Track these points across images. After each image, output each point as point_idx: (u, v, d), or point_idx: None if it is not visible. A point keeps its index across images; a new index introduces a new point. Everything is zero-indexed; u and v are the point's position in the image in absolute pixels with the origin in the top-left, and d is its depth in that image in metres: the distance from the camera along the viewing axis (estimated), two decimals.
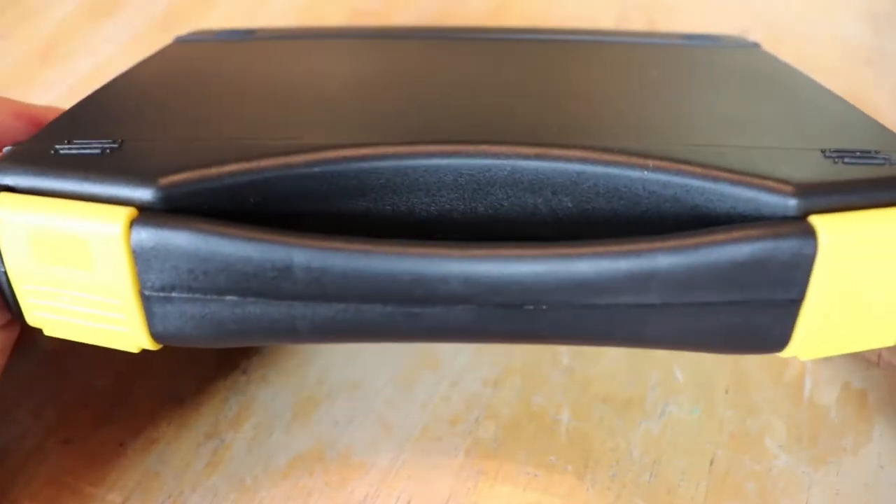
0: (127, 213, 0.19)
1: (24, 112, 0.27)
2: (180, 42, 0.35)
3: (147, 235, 0.19)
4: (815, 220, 0.19)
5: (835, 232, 0.19)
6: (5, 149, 0.22)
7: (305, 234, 0.19)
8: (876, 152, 0.21)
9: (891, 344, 0.22)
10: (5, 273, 0.21)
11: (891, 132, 0.25)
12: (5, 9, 0.49)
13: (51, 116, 0.27)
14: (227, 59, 0.32)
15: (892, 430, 0.28)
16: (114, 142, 0.21)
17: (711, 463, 0.28)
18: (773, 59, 0.34)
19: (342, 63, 0.30)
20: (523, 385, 0.30)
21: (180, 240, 0.19)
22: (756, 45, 0.36)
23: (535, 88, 0.26)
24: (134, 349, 0.22)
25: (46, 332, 0.23)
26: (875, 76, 0.44)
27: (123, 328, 0.21)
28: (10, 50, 0.46)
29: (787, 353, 0.21)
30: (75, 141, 0.21)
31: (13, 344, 0.24)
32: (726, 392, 0.30)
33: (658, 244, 0.19)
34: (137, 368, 0.30)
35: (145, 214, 0.19)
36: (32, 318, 0.22)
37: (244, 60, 0.32)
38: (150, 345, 0.22)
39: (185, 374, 0.30)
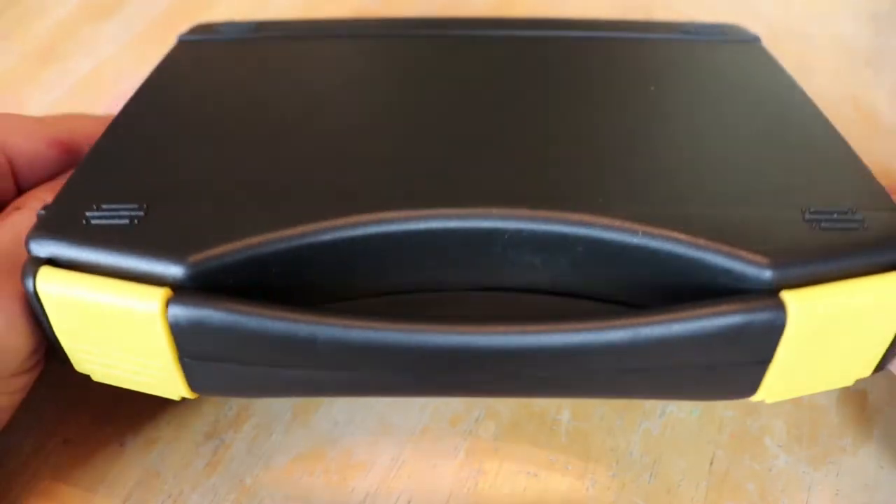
0: (163, 293, 0.21)
1: (56, 139, 0.28)
2: (185, 42, 0.35)
3: (182, 313, 0.21)
4: (787, 296, 0.21)
5: (803, 307, 0.21)
6: (38, 212, 0.23)
7: (325, 311, 0.21)
8: (853, 212, 0.23)
9: (848, 384, 0.25)
10: (53, 332, 0.23)
11: (870, 176, 0.26)
12: (5, 9, 0.49)
13: (79, 137, 0.28)
14: (237, 76, 0.32)
15: (892, 430, 0.28)
16: (139, 208, 0.23)
17: (711, 463, 0.28)
18: (767, 64, 0.34)
19: (351, 95, 0.30)
20: None
21: (213, 319, 0.21)
22: (756, 39, 0.36)
23: (535, 136, 0.27)
24: (175, 398, 0.24)
25: (94, 379, 0.25)
26: (875, 76, 0.44)
27: (165, 383, 0.23)
28: (10, 50, 0.46)
29: (754, 399, 0.24)
30: (103, 206, 0.23)
31: (34, 381, 0.25)
32: None
33: (642, 319, 0.21)
34: None
35: (179, 295, 0.21)
36: (80, 368, 0.25)
37: (254, 81, 0.31)
38: (189, 395, 0.24)
39: None
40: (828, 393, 0.30)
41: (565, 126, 0.28)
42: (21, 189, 0.28)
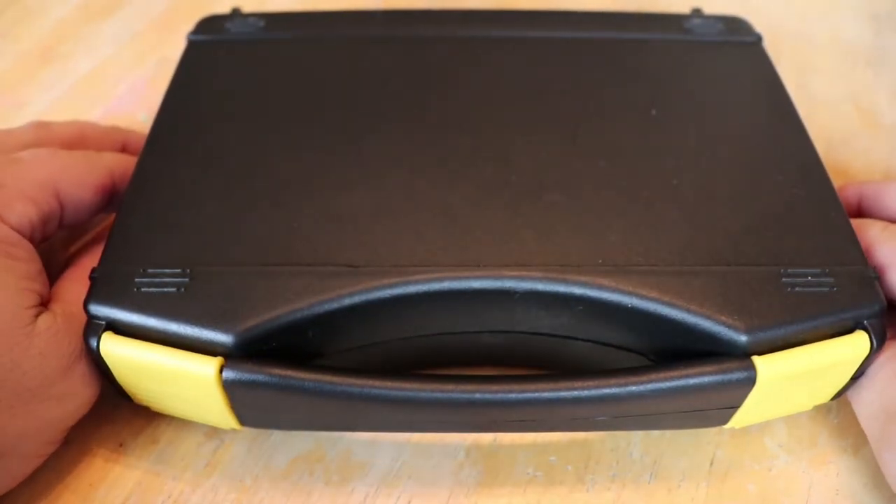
0: (216, 362, 0.24)
1: (101, 186, 0.29)
2: (197, 44, 0.35)
3: (234, 377, 0.24)
4: (757, 361, 0.24)
5: (771, 370, 0.24)
6: (91, 274, 0.26)
7: (354, 373, 0.24)
8: (826, 272, 0.26)
9: (808, 409, 0.28)
10: (116, 381, 0.26)
11: (846, 226, 0.27)
12: (5, 9, 0.49)
13: (117, 179, 0.29)
14: (256, 97, 0.32)
15: None
16: (183, 274, 0.25)
17: (711, 463, 0.28)
18: (761, 77, 0.34)
19: (377, 135, 0.30)
20: None
21: (260, 381, 0.24)
22: (758, 39, 0.36)
23: (540, 186, 0.28)
24: (226, 428, 0.27)
25: (153, 409, 0.28)
26: (875, 76, 0.44)
27: (218, 420, 0.26)
28: (10, 50, 0.46)
29: (724, 427, 0.27)
30: (149, 272, 0.25)
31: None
32: None
33: (633, 378, 0.24)
34: None
35: (230, 363, 0.24)
36: (141, 403, 0.27)
37: (273, 108, 0.31)
38: (239, 428, 0.27)
39: None
40: None
41: (566, 165, 0.29)
42: (61, 228, 0.29)
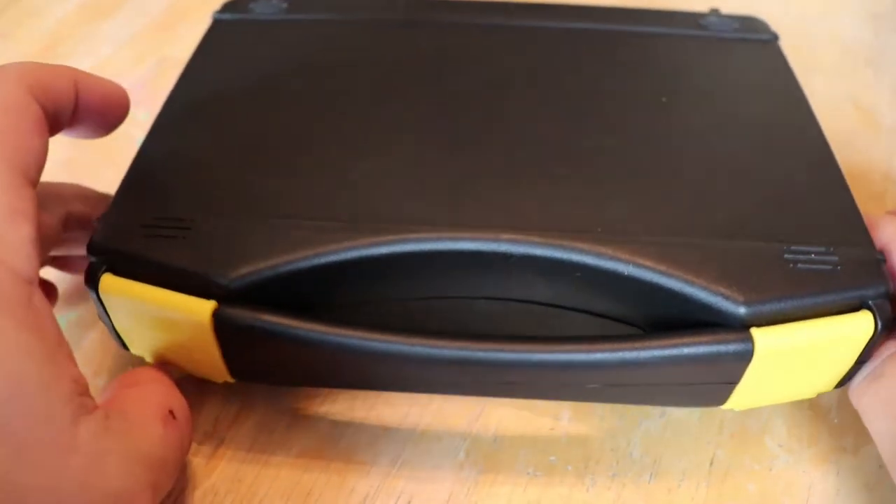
0: (210, 306, 0.24)
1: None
2: (221, 22, 0.36)
3: (226, 321, 0.24)
4: (756, 333, 0.23)
5: (769, 343, 0.23)
6: (94, 221, 0.26)
7: (346, 324, 0.24)
8: (830, 251, 0.25)
9: (811, 397, 0.27)
10: (113, 325, 0.26)
11: (853, 208, 0.27)
12: (6, 8, 0.49)
13: (82, 88, 0.26)
14: (274, 72, 0.33)
15: None
16: (186, 222, 0.26)
17: (711, 463, 0.28)
18: (776, 72, 0.34)
19: (386, 105, 0.31)
20: None
21: (253, 328, 0.24)
22: (774, 38, 0.36)
23: (544, 154, 0.29)
24: (220, 381, 0.27)
25: (148, 360, 0.28)
26: (875, 76, 0.44)
27: (210, 370, 0.27)
28: (11, 49, 0.46)
29: (723, 408, 0.27)
30: (154, 218, 0.26)
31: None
32: None
33: (628, 345, 0.24)
34: None
35: (223, 308, 0.24)
36: (136, 351, 0.28)
37: (289, 82, 0.32)
38: (231, 381, 0.27)
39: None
40: (828, 393, 0.30)
41: (570, 141, 0.29)
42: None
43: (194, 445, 0.28)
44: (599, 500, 0.27)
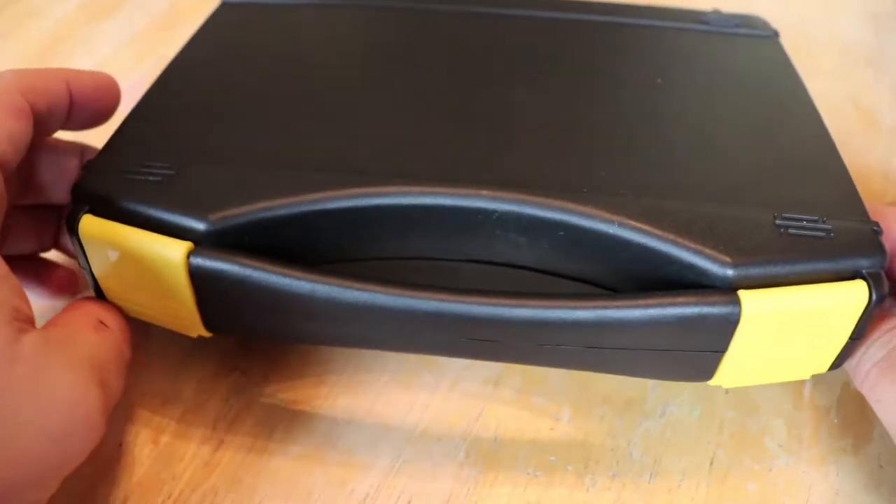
0: (185, 246, 0.24)
1: (54, 93, 0.27)
2: (228, 5, 0.37)
3: (200, 264, 0.24)
4: (743, 295, 0.23)
5: (757, 306, 0.22)
6: (86, 164, 0.26)
7: (321, 270, 0.24)
8: (823, 221, 0.24)
9: (805, 378, 0.27)
10: (91, 271, 0.26)
11: (850, 185, 0.26)
12: (6, 8, 0.49)
13: (76, 91, 0.28)
14: (271, 47, 0.34)
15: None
16: (171, 167, 0.26)
17: (711, 463, 0.28)
18: (777, 62, 0.34)
19: (371, 71, 0.32)
20: (523, 385, 0.30)
21: (226, 271, 0.24)
22: (775, 35, 0.36)
23: (532, 119, 0.29)
24: (193, 335, 0.27)
25: (124, 312, 0.27)
26: (875, 76, 0.44)
27: (184, 322, 0.26)
28: (11, 49, 0.46)
29: (711, 383, 0.26)
30: (140, 163, 0.26)
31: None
32: (726, 392, 0.30)
33: (608, 303, 0.23)
34: (137, 368, 0.30)
35: (198, 249, 0.24)
36: (112, 299, 0.27)
37: (286, 56, 0.33)
38: (205, 334, 0.27)
39: (185, 375, 0.30)
40: (828, 393, 0.30)
41: (563, 110, 0.30)
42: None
43: (195, 446, 0.28)
44: (599, 500, 0.27)
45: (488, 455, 0.28)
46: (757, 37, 0.36)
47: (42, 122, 0.27)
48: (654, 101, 0.30)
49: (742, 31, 0.36)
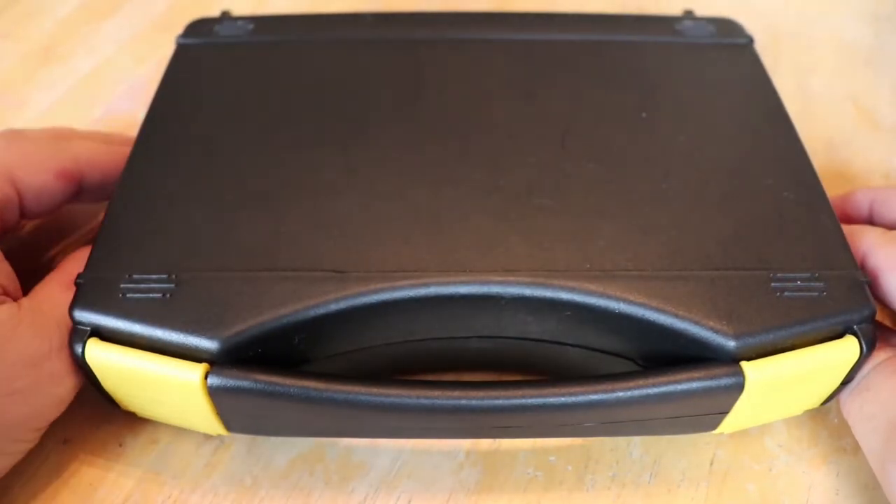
0: (202, 369, 0.24)
1: (63, 171, 0.28)
2: (185, 47, 0.34)
3: (219, 384, 0.24)
4: (746, 366, 0.24)
5: (759, 374, 0.24)
6: (77, 280, 0.25)
7: (335, 378, 0.24)
8: (816, 277, 0.25)
9: (798, 414, 0.28)
10: (102, 387, 0.26)
11: (837, 228, 0.27)
12: (6, 8, 0.49)
13: (83, 166, 0.29)
14: (242, 103, 0.32)
15: None
16: (169, 280, 0.25)
17: (711, 463, 0.28)
18: (751, 80, 0.33)
19: (362, 145, 0.30)
20: None
21: (244, 387, 0.24)
22: (749, 41, 0.35)
23: (528, 191, 0.28)
24: (214, 434, 0.27)
25: (139, 416, 0.28)
26: (875, 76, 0.44)
27: (205, 426, 0.26)
28: (11, 49, 0.46)
29: (714, 433, 0.27)
30: (134, 277, 0.25)
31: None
32: None
33: (621, 384, 0.24)
34: None
35: (215, 369, 0.24)
36: (127, 409, 0.27)
37: (260, 115, 0.31)
38: (226, 433, 0.27)
39: None
40: None
41: (556, 169, 0.29)
42: (25, 217, 0.29)
43: (195, 446, 0.28)
44: (599, 500, 0.27)
45: (488, 455, 0.28)
46: (732, 46, 0.35)
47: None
48: (641, 149, 0.30)
49: (716, 40, 0.35)
